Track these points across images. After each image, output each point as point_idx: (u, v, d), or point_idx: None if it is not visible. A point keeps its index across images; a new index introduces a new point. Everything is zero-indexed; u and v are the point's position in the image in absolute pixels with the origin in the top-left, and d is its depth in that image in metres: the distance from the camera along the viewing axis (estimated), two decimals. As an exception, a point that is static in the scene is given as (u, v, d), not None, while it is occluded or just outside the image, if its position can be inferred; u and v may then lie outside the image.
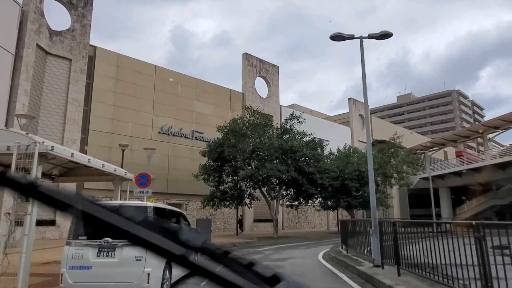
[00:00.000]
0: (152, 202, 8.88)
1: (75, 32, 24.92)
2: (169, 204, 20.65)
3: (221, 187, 26.03)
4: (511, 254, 4.97)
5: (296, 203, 28.94)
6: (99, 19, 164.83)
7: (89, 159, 8.61)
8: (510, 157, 33.81)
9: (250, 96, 34.95)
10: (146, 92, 28.57)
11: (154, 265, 6.34)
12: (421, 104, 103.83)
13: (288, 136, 26.25)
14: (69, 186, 23.04)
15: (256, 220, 33.97)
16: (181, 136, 30.14)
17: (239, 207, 27.80)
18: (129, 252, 6.24)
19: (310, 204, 31.51)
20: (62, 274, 6.23)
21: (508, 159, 33.87)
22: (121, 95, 27.18)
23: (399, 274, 7.69)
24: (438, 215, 39.20)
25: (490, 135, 45.29)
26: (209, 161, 26.10)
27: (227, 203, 26.17)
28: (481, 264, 5.04)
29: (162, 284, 6.62)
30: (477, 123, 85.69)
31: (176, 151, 29.58)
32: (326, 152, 29.94)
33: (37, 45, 22.60)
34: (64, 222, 20.98)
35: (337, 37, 10.58)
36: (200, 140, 30.79)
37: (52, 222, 22.32)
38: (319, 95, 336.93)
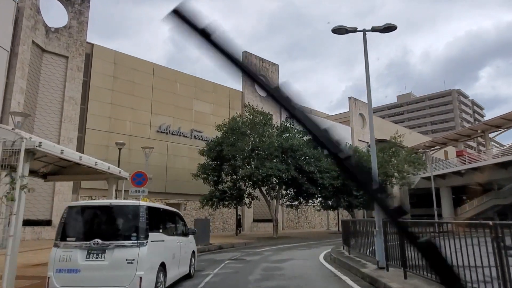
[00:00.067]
0: (146, 201, 8.50)
1: (72, 29, 24.54)
2: (167, 204, 20.30)
3: (220, 187, 25.64)
4: None
5: (296, 203, 28.58)
6: (98, 19, 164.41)
7: (81, 157, 8.24)
8: (512, 156, 33.54)
9: (249, 94, 34.58)
10: (144, 90, 28.17)
11: (146, 268, 5.98)
12: (421, 104, 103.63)
13: (288, 134, 25.85)
14: (66, 185, 22.77)
15: (255, 220, 33.62)
16: (180, 135, 29.75)
17: (239, 207, 27.43)
18: (120, 254, 5.88)
19: (310, 204, 31.17)
20: (48, 278, 5.87)
21: (510, 158, 33.56)
22: (118, 93, 26.77)
23: (405, 277, 7.35)
24: (439, 215, 38.84)
25: (492, 134, 45.03)
26: (208, 160, 25.72)
27: (226, 203, 25.77)
28: (499, 266, 4.68)
29: (156, 288, 6.26)
30: (477, 122, 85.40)
31: (174, 150, 29.19)
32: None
33: (33, 42, 22.21)
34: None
35: (340, 30, 10.23)
36: (199, 139, 30.41)
37: (48, 222, 21.99)
38: (318, 95, 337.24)
